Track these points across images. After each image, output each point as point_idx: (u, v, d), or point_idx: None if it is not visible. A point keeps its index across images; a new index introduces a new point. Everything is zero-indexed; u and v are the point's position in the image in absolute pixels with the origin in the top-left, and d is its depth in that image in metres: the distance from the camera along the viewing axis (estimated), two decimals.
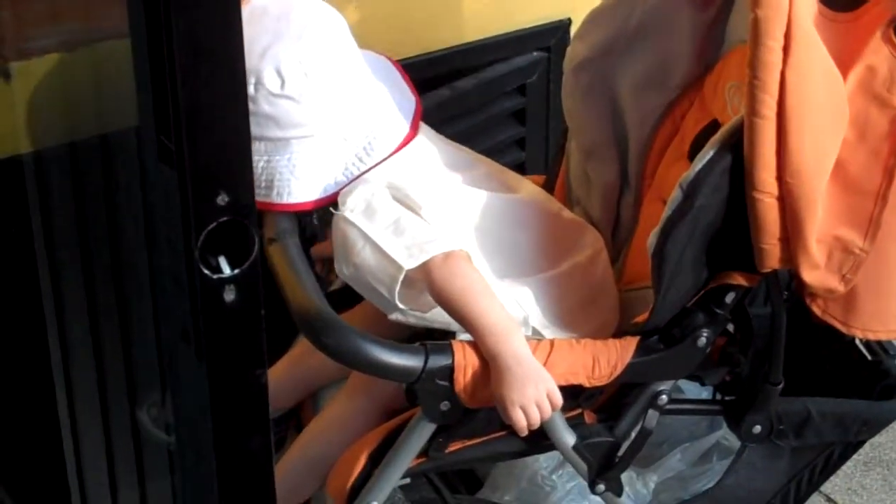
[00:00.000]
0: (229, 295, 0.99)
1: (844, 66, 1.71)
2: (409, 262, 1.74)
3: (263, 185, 1.84)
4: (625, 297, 1.98)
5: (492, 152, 2.40)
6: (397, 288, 1.75)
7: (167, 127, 0.94)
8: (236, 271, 1.00)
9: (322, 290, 1.81)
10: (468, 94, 2.37)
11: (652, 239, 1.76)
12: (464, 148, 2.01)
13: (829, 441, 1.98)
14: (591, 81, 2.05)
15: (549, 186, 2.14)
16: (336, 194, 1.85)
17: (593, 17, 2.04)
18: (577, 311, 1.89)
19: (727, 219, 1.74)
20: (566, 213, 2.00)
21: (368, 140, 1.85)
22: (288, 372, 2.03)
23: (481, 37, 2.40)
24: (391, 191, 1.82)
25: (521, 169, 2.54)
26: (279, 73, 1.77)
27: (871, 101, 1.72)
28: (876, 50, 1.71)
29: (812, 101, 1.66)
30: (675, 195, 1.73)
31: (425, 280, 1.77)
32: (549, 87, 2.48)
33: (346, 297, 1.94)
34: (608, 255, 2.00)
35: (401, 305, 1.78)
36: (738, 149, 1.70)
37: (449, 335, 1.82)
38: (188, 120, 0.92)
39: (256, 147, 1.82)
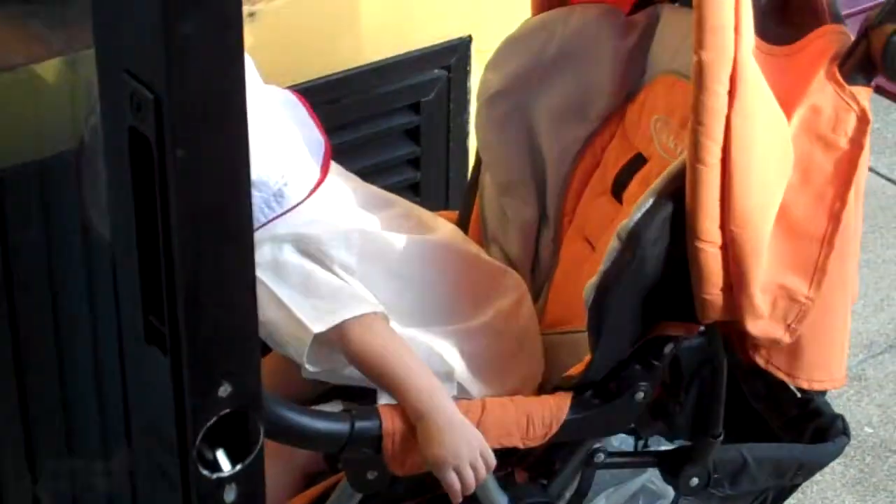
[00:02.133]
0: (230, 495, 0.84)
1: (786, 104, 1.63)
2: (318, 326, 1.63)
3: None
4: (548, 341, 1.88)
5: (384, 170, 2.31)
6: (306, 351, 1.64)
7: (159, 306, 0.79)
8: (238, 468, 0.85)
9: None
10: (358, 110, 2.25)
11: (589, 292, 1.65)
12: (374, 187, 1.89)
13: (763, 487, 1.91)
14: (506, 113, 1.94)
15: (462, 223, 2.02)
16: None
17: (508, 46, 1.93)
18: (503, 360, 1.79)
19: (667, 269, 1.65)
20: (485, 255, 1.89)
21: (278, 187, 1.71)
22: None
23: (381, 57, 2.27)
24: (301, 244, 1.70)
25: (415, 189, 2.42)
26: None
27: (816, 143, 1.64)
28: (819, 89, 1.63)
29: (758, 146, 1.57)
30: (613, 246, 1.64)
31: (339, 343, 1.65)
32: (449, 105, 2.36)
33: None
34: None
35: (311, 369, 1.66)
36: (678, 196, 1.61)
37: (368, 391, 1.71)
38: (187, 300, 0.78)
39: None
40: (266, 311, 1.66)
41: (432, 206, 2.35)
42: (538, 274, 1.98)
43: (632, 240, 1.62)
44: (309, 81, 2.20)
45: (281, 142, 1.73)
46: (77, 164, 1.79)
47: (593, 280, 1.65)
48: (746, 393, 1.95)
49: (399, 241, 1.77)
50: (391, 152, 2.37)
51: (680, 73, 1.81)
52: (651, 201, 1.62)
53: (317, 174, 1.75)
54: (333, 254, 1.69)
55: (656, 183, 1.63)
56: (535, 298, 1.96)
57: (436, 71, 2.34)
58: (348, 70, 2.25)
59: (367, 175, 2.24)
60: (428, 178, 2.42)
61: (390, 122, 2.34)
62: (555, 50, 1.90)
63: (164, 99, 0.84)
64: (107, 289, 1.95)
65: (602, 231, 1.87)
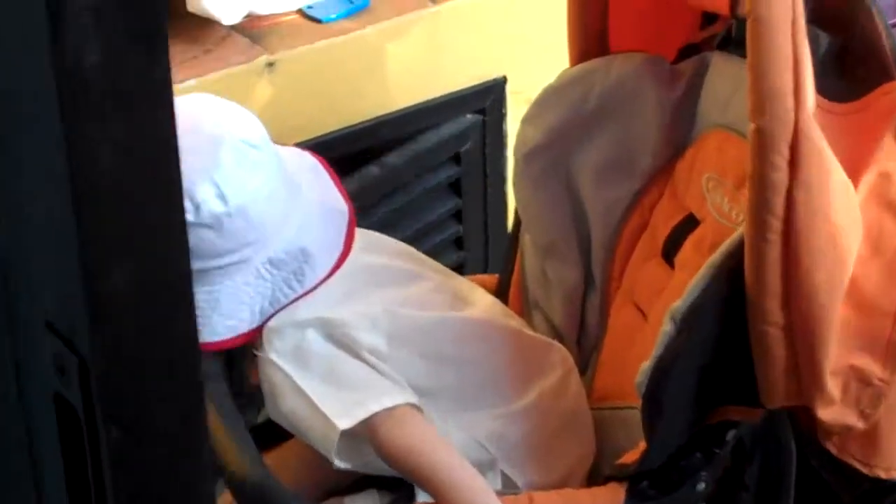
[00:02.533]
0: None
1: (851, 169, 1.49)
2: (344, 422, 1.51)
3: None
4: (598, 417, 1.75)
5: (428, 229, 2.18)
6: (333, 449, 1.52)
7: None
8: None
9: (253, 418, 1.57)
10: (398, 169, 2.11)
11: (642, 379, 1.52)
12: (407, 252, 1.76)
13: None
14: (544, 169, 1.80)
15: (502, 288, 1.89)
16: (260, 327, 1.59)
17: (545, 98, 1.80)
18: (550, 444, 1.67)
19: (727, 351, 1.51)
20: (527, 330, 1.75)
21: (298, 264, 1.59)
22: None
23: (410, 103, 2.13)
24: (325, 328, 1.57)
25: (459, 244, 2.29)
26: (192, 199, 1.50)
27: (886, 211, 1.50)
28: (888, 153, 1.49)
29: (823, 219, 1.44)
30: (666, 330, 1.50)
31: (368, 437, 1.53)
32: (486, 151, 2.23)
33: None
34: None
35: (340, 464, 1.54)
36: (737, 274, 1.47)
37: (403, 481, 1.59)
38: None
39: None
40: (288, 402, 1.55)
41: (476, 260, 2.24)
42: (585, 342, 1.84)
43: (687, 322, 1.49)
44: (334, 132, 2.08)
45: (301, 214, 1.60)
46: None
47: (646, 365, 1.52)
48: (814, 464, 1.81)
49: (431, 319, 1.64)
50: (433, 209, 2.24)
51: (732, 129, 1.67)
52: (707, 280, 1.48)
53: (339, 248, 1.62)
54: (361, 337, 1.57)
55: (712, 259, 1.49)
56: (583, 370, 1.82)
57: (469, 116, 2.20)
58: (377, 118, 2.12)
59: (408, 234, 2.14)
60: (470, 231, 2.28)
61: (432, 176, 2.21)
62: (595, 102, 1.77)
63: (92, 364, 0.68)
64: None
65: (654, 298, 1.73)
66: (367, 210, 2.08)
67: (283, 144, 1.98)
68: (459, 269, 2.32)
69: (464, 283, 1.77)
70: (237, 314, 1.58)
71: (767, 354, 1.48)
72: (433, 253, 2.21)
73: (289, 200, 1.59)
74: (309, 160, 1.70)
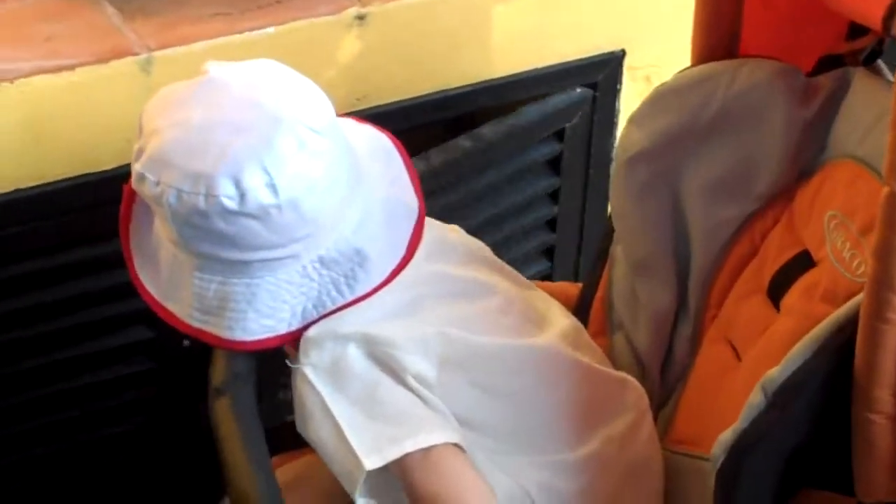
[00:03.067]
0: None
1: None
2: (372, 460, 1.33)
3: (214, 308, 1.39)
4: (672, 462, 1.55)
5: (520, 209, 1.98)
6: (357, 488, 1.34)
7: None
8: None
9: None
10: (493, 143, 1.90)
11: (719, 452, 1.32)
12: (482, 258, 1.56)
13: None
14: (648, 178, 1.59)
15: (585, 302, 1.69)
16: (300, 331, 1.41)
17: (658, 98, 1.58)
18: (608, 499, 1.47)
19: (821, 432, 1.31)
20: (600, 365, 1.54)
21: (351, 266, 1.39)
22: None
23: (513, 71, 1.92)
24: (369, 346, 1.38)
25: (552, 226, 2.08)
26: (237, 185, 1.30)
27: None
28: None
29: None
30: (756, 402, 1.30)
31: (400, 477, 1.35)
32: (592, 129, 2.02)
33: None
34: (654, 402, 1.56)
35: (363, 503, 1.37)
36: (846, 351, 1.26)
37: None
38: None
39: (209, 265, 1.38)
40: (316, 426, 1.37)
41: (568, 244, 2.05)
42: (669, 374, 1.63)
43: (780, 397, 1.29)
44: (425, 95, 1.88)
45: (361, 211, 1.41)
46: None
47: (726, 437, 1.32)
48: None
49: (489, 346, 1.44)
50: (528, 187, 2.04)
51: (868, 164, 1.45)
52: (809, 354, 1.28)
53: (400, 253, 1.43)
54: (407, 361, 1.38)
55: (818, 331, 1.29)
56: (663, 403, 1.62)
57: (579, 90, 1.99)
58: (475, 84, 1.92)
59: (497, 213, 1.94)
60: (565, 214, 2.08)
61: (530, 152, 2.01)
62: (716, 110, 1.55)
63: None
64: None
65: (751, 339, 1.52)
66: (455, 186, 1.89)
67: (364, 110, 1.81)
68: (549, 251, 2.13)
69: (539, 300, 1.56)
70: (276, 313, 1.40)
71: (871, 445, 1.28)
72: (522, 235, 2.03)
73: (350, 194, 1.39)
74: (384, 143, 1.50)
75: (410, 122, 1.86)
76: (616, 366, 1.61)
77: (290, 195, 1.32)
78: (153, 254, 1.44)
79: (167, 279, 1.43)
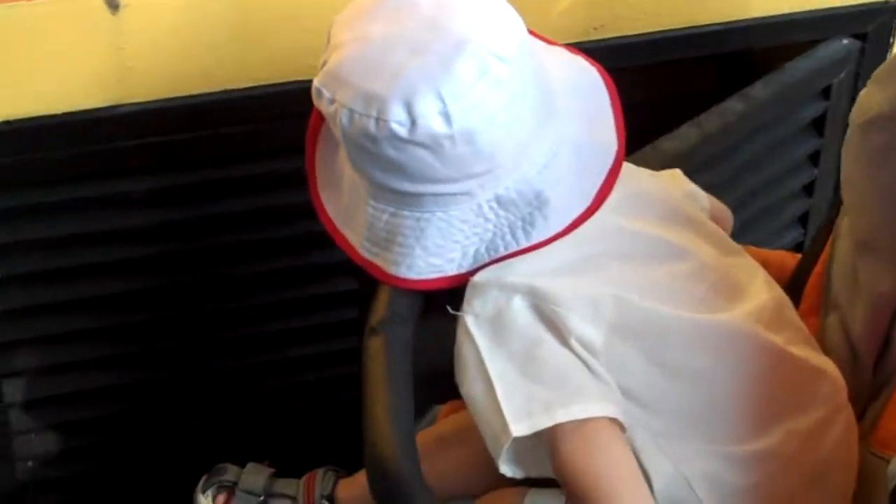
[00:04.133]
0: None
1: None
2: (520, 427, 1.23)
3: (382, 240, 1.32)
4: (869, 464, 1.39)
5: (780, 174, 1.82)
6: (501, 454, 1.24)
7: None
8: None
9: None
10: (766, 106, 1.75)
11: (893, 471, 1.16)
12: (685, 216, 1.42)
13: None
14: (885, 146, 1.41)
15: (801, 274, 1.53)
16: (469, 274, 1.31)
17: None
18: (782, 502, 1.32)
19: None
20: (797, 349, 1.38)
21: (530, 210, 1.29)
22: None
23: (770, 13, 1.75)
24: (535, 300, 1.27)
25: (808, 191, 1.91)
26: (409, 111, 1.22)
27: None
28: None
29: None
30: None
31: (548, 444, 1.24)
32: (858, 84, 1.83)
33: None
34: (863, 395, 1.40)
35: (507, 471, 1.27)
36: None
37: None
38: None
39: (381, 194, 1.30)
40: (469, 382, 1.28)
41: (821, 210, 1.88)
42: (883, 367, 1.46)
43: None
44: (669, 31, 1.74)
45: (547, 151, 1.30)
46: None
47: None
48: None
49: (667, 317, 1.31)
50: (789, 152, 1.88)
51: None
52: None
53: (586, 200, 1.31)
54: (573, 323, 1.27)
55: None
56: (873, 397, 1.45)
57: (846, 41, 1.80)
58: (726, 23, 1.76)
59: (758, 183, 1.79)
60: (824, 178, 1.90)
61: (802, 114, 1.84)
62: None
63: None
64: None
65: None
66: (727, 155, 1.74)
67: (599, 40, 1.69)
68: (803, 217, 1.96)
69: (742, 270, 1.42)
70: (445, 252, 1.31)
71: None
72: (779, 203, 1.87)
73: (536, 131, 1.29)
74: (592, 78, 1.38)
75: (649, 59, 1.73)
76: (825, 349, 1.45)
77: (465, 126, 1.23)
78: (338, 176, 1.38)
79: (346, 204, 1.36)
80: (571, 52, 1.40)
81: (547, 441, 1.24)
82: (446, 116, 1.22)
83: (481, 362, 1.27)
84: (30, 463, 1.87)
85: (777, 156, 1.87)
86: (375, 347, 1.33)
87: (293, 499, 1.66)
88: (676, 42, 1.75)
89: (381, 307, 1.36)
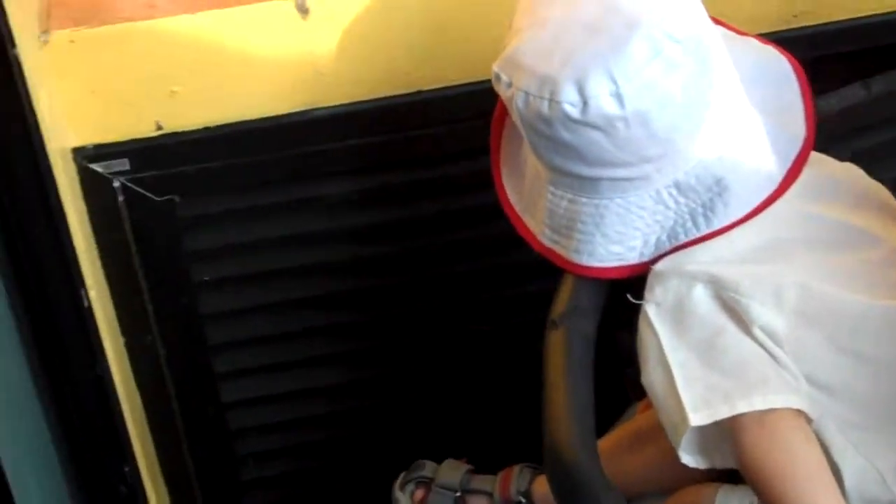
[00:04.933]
0: None
1: None
2: (699, 417, 1.20)
3: (563, 227, 1.31)
4: None
5: None
6: (681, 443, 1.22)
7: None
8: None
9: None
10: None
11: None
12: (878, 201, 1.37)
13: None
14: None
15: None
16: (651, 262, 1.29)
17: None
18: None
19: None
20: None
21: (710, 196, 1.26)
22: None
23: None
24: (717, 288, 1.24)
25: None
26: (581, 92, 1.21)
27: None
28: None
29: None
30: None
31: (729, 434, 1.21)
32: None
33: None
34: None
35: (687, 460, 1.24)
36: None
37: None
38: None
39: (559, 179, 1.29)
40: (650, 370, 1.26)
41: None
42: None
43: None
44: (872, 16, 1.67)
45: (730, 133, 1.27)
46: None
47: None
48: None
49: (859, 305, 1.26)
50: None
51: None
52: None
53: (770, 186, 1.28)
54: (755, 311, 1.23)
55: None
56: None
57: None
58: None
59: None
60: None
61: None
62: None
63: None
64: None
65: None
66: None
67: (798, 28, 1.64)
68: None
69: None
70: (625, 240, 1.29)
71: None
72: None
73: (716, 115, 1.26)
74: (781, 67, 1.34)
75: (851, 46, 1.66)
76: None
77: (638, 107, 1.21)
78: (522, 164, 1.38)
79: (528, 191, 1.36)
80: (762, 42, 1.37)
81: (728, 432, 1.21)
82: (618, 97, 1.20)
83: (661, 351, 1.24)
84: (249, 462, 1.92)
85: None
86: (555, 341, 1.32)
87: (489, 495, 1.66)
88: (878, 29, 1.68)
89: (562, 300, 1.34)
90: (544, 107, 1.23)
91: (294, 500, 1.97)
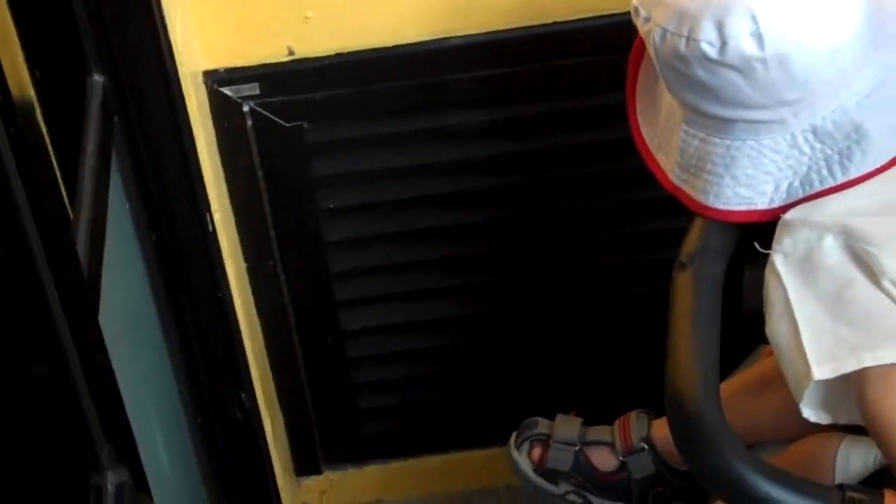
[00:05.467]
0: None
1: None
2: (823, 370, 1.16)
3: (693, 167, 1.28)
4: None
5: None
6: (802, 397, 1.18)
7: None
8: None
9: None
10: None
11: None
12: None
13: None
14: None
15: None
16: (781, 209, 1.25)
17: None
18: None
19: None
20: None
21: (848, 144, 1.22)
22: None
23: None
24: (847, 239, 1.20)
25: None
26: (720, 31, 1.18)
27: None
28: None
29: None
30: None
31: (856, 388, 1.17)
32: None
33: None
34: None
35: (809, 415, 1.21)
36: None
37: None
38: None
39: (693, 118, 1.26)
40: (775, 322, 1.22)
41: None
42: None
43: None
44: None
45: (872, 82, 1.23)
46: None
47: None
48: None
49: None
50: None
51: None
52: None
53: None
54: (887, 264, 1.19)
55: None
56: None
57: None
58: None
59: None
60: None
61: None
62: None
63: None
64: None
65: None
66: None
67: None
68: None
69: None
70: (757, 184, 1.26)
71: None
72: None
73: (859, 59, 1.21)
74: None
75: None
76: None
77: (779, 50, 1.17)
78: (657, 100, 1.35)
79: (662, 128, 1.33)
80: None
81: (854, 386, 1.17)
82: (759, 38, 1.17)
83: (788, 302, 1.21)
84: (365, 391, 1.92)
85: None
86: (683, 282, 1.29)
87: (610, 444, 1.63)
88: None
89: (692, 241, 1.31)
90: (681, 44, 1.20)
91: (408, 429, 1.97)
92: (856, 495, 1.16)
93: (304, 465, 1.98)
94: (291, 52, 1.62)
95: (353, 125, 1.69)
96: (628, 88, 1.38)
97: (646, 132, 1.36)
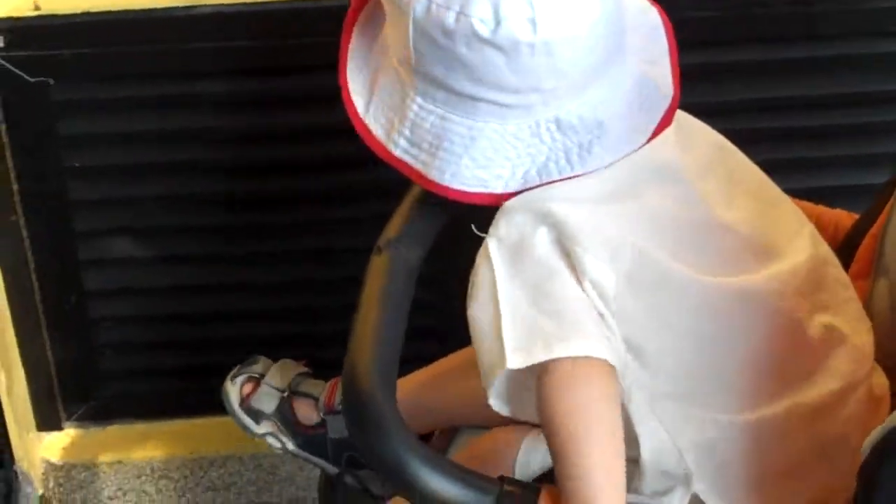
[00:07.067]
0: None
1: None
2: (517, 359, 1.16)
3: (427, 143, 1.26)
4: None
5: None
6: (493, 384, 1.19)
7: None
8: None
9: None
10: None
11: (865, 449, 1.09)
12: (732, 166, 1.35)
13: None
14: None
15: (857, 236, 1.44)
16: (515, 195, 1.25)
17: None
18: (782, 476, 1.25)
19: None
20: (822, 318, 1.30)
21: (590, 139, 1.23)
22: (418, 393, 1.52)
23: None
24: (559, 235, 1.21)
25: None
26: (496, 11, 1.17)
27: None
28: None
29: None
30: None
31: (536, 381, 1.18)
32: None
33: None
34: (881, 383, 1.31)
35: (495, 404, 1.22)
36: None
37: None
38: None
39: (432, 93, 1.25)
40: (479, 308, 1.21)
41: None
42: None
43: None
44: None
45: (613, 83, 1.24)
46: None
47: (875, 433, 1.09)
48: None
49: (687, 278, 1.24)
50: None
51: None
52: None
53: (641, 138, 1.25)
54: (589, 265, 1.19)
55: None
56: None
57: None
58: None
59: None
60: None
61: None
62: None
63: None
64: None
65: None
66: None
67: None
68: None
69: (785, 224, 1.33)
70: (494, 167, 1.24)
71: None
72: None
73: (606, 61, 1.23)
74: (650, 19, 1.32)
75: None
76: (870, 314, 1.37)
77: (549, 37, 1.17)
78: (374, 65, 1.33)
79: (380, 97, 1.31)
80: None
81: (536, 377, 1.19)
82: (533, 23, 1.16)
83: (494, 286, 1.20)
84: (107, 352, 1.92)
85: None
86: (376, 266, 1.29)
87: (316, 400, 1.65)
88: None
89: (393, 227, 1.32)
90: (449, 18, 1.18)
91: (153, 392, 1.97)
92: (512, 488, 1.18)
93: (46, 421, 1.97)
94: (37, 7, 1.61)
95: (101, 86, 1.69)
96: (341, 51, 1.33)
97: (357, 98, 1.32)
